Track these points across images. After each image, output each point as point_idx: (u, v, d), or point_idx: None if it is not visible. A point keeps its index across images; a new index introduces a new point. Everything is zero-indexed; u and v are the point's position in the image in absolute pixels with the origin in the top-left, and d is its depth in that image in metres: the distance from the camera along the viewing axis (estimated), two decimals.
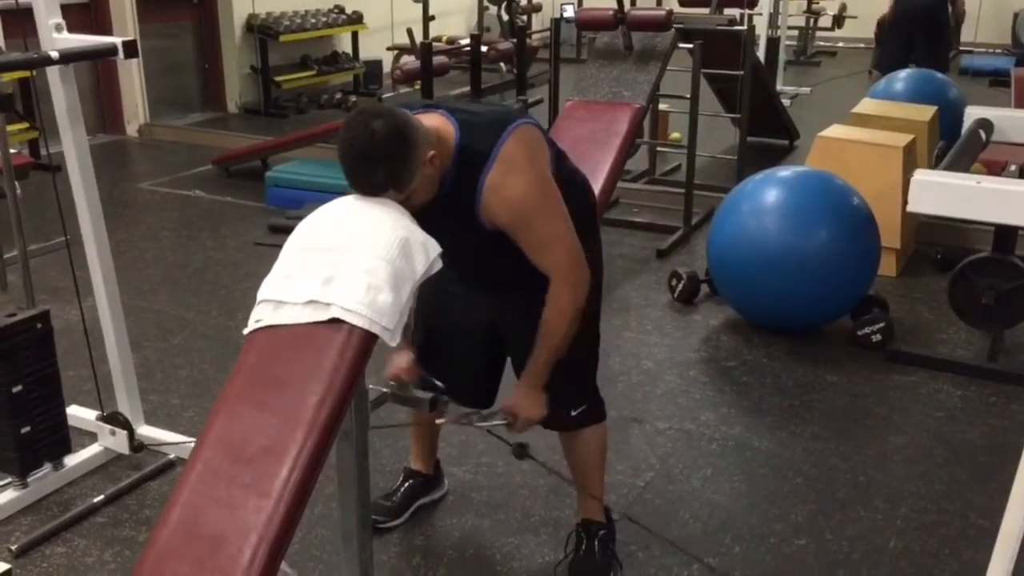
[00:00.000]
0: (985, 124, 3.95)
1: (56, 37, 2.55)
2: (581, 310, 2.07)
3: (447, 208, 1.96)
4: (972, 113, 4.06)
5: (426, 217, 1.90)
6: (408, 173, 1.85)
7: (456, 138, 1.95)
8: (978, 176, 3.40)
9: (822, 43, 11.34)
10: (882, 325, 3.69)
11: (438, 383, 2.18)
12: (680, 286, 4.15)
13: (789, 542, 2.57)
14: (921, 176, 3.26)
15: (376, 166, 1.82)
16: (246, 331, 1.79)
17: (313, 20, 8.40)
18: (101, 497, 2.70)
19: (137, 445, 2.86)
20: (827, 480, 2.85)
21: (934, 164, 4.46)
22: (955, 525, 2.64)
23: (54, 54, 2.47)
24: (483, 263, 2.17)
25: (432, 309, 2.34)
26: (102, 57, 2.63)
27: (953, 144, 3.94)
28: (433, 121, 1.95)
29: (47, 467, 2.75)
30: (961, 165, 3.52)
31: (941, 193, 3.20)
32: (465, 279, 2.23)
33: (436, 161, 1.90)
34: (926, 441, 3.08)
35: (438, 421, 2.43)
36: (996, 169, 4.37)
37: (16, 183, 2.66)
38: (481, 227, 1.99)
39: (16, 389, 2.58)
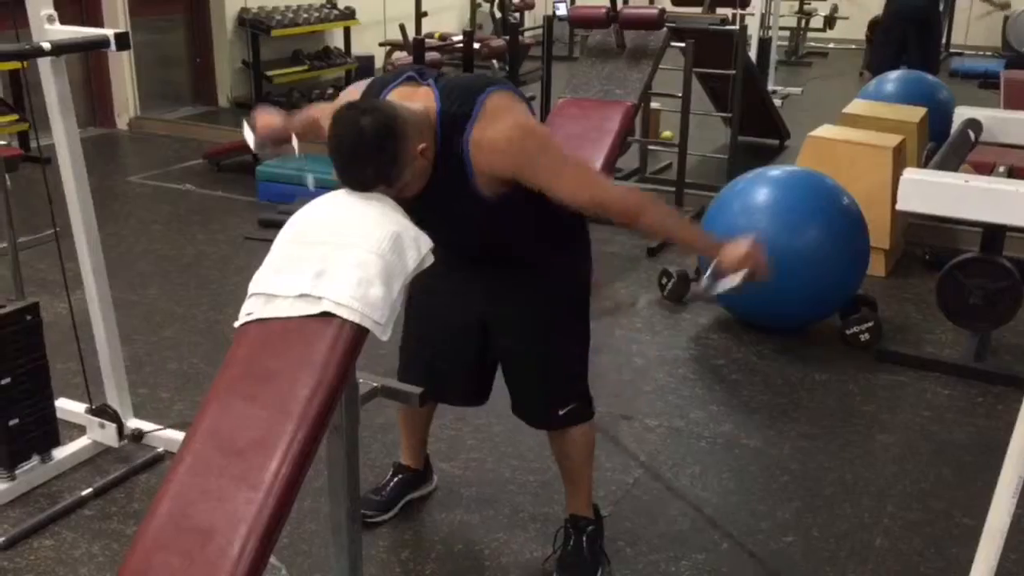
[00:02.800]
0: (974, 124, 3.96)
1: (48, 28, 2.54)
2: (636, 197, 2.05)
3: (438, 182, 1.95)
4: (962, 113, 4.07)
5: (419, 199, 1.90)
6: (398, 168, 1.85)
7: (437, 107, 1.94)
8: (966, 175, 3.42)
9: (813, 44, 11.38)
10: (870, 324, 3.71)
11: None
12: (670, 284, 4.16)
13: (776, 539, 2.58)
14: (910, 175, 3.27)
15: (365, 163, 1.82)
16: (237, 324, 1.79)
17: (305, 15, 8.37)
18: (89, 490, 2.70)
19: (136, 434, 2.85)
20: (815, 478, 2.87)
21: (923, 165, 4.48)
22: (941, 523, 2.65)
23: (46, 45, 2.46)
24: (478, 239, 2.14)
25: (422, 311, 2.33)
26: (94, 49, 2.62)
27: (942, 145, 3.96)
28: (418, 98, 1.94)
29: (35, 459, 2.74)
30: (950, 164, 3.54)
31: (930, 192, 3.21)
32: (460, 263, 2.21)
33: (428, 153, 1.90)
34: (913, 440, 3.10)
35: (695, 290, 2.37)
36: (985, 170, 4.38)
37: (6, 175, 2.64)
38: (476, 195, 1.97)
39: (4, 381, 2.57)
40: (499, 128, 1.92)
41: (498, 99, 1.95)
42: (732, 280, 2.08)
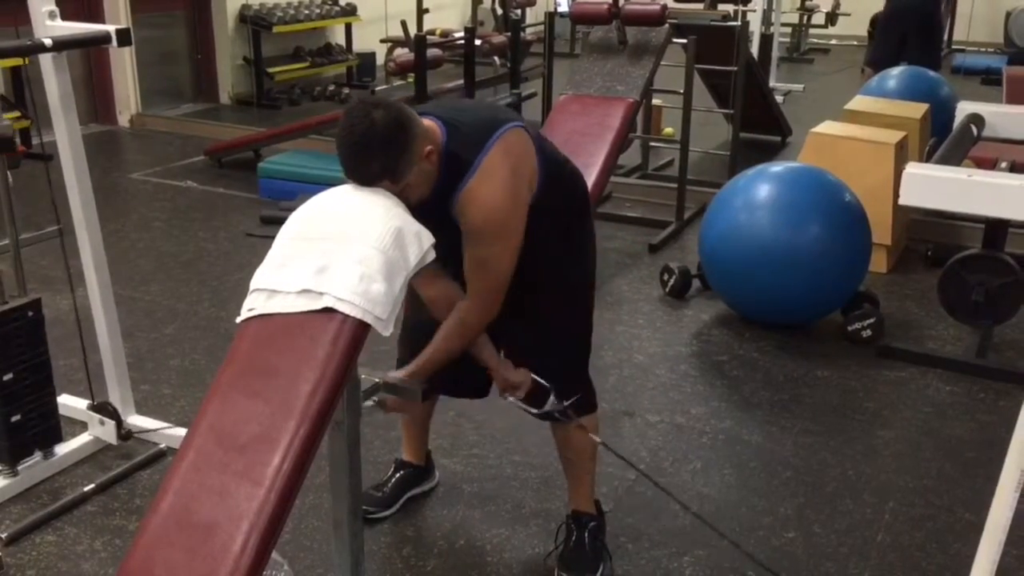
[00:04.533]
0: (977, 119, 3.96)
1: (49, 24, 2.54)
2: (476, 334, 2.10)
3: (435, 210, 1.97)
4: (964, 108, 4.07)
5: (418, 216, 1.91)
6: (404, 165, 1.86)
7: (443, 144, 1.96)
8: (969, 169, 3.42)
9: (815, 40, 11.37)
10: (872, 321, 3.71)
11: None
12: (672, 281, 4.16)
13: (778, 535, 2.58)
14: (913, 169, 3.27)
15: (373, 155, 1.83)
16: (239, 320, 1.79)
17: (307, 11, 8.37)
18: (92, 486, 2.70)
19: (125, 434, 2.86)
20: (816, 474, 2.87)
21: (925, 161, 4.48)
22: (943, 519, 2.65)
23: (47, 41, 2.46)
24: None
25: (423, 303, 2.33)
26: (95, 45, 2.62)
27: (944, 141, 3.96)
28: (424, 123, 1.96)
29: (37, 455, 2.75)
30: (953, 159, 3.54)
31: (932, 186, 3.21)
32: (457, 277, 2.23)
33: (433, 157, 1.91)
34: (915, 436, 3.10)
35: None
36: (987, 166, 4.38)
37: (7, 172, 2.64)
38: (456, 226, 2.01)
39: (7, 377, 2.58)
40: (484, 200, 1.95)
41: (500, 155, 1.97)
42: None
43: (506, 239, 2.02)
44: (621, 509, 2.65)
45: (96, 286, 2.81)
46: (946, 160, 3.49)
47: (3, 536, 2.48)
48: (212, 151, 6.27)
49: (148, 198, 5.64)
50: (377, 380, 1.90)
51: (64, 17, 2.58)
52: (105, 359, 2.91)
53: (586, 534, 2.40)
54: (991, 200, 3.15)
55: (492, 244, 2.01)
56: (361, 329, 1.70)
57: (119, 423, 2.85)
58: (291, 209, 1.93)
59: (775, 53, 8.57)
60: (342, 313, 1.69)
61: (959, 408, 3.27)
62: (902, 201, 3.30)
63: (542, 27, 6.11)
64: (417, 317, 2.38)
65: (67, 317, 2.92)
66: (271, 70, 8.11)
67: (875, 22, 8.51)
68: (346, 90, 8.42)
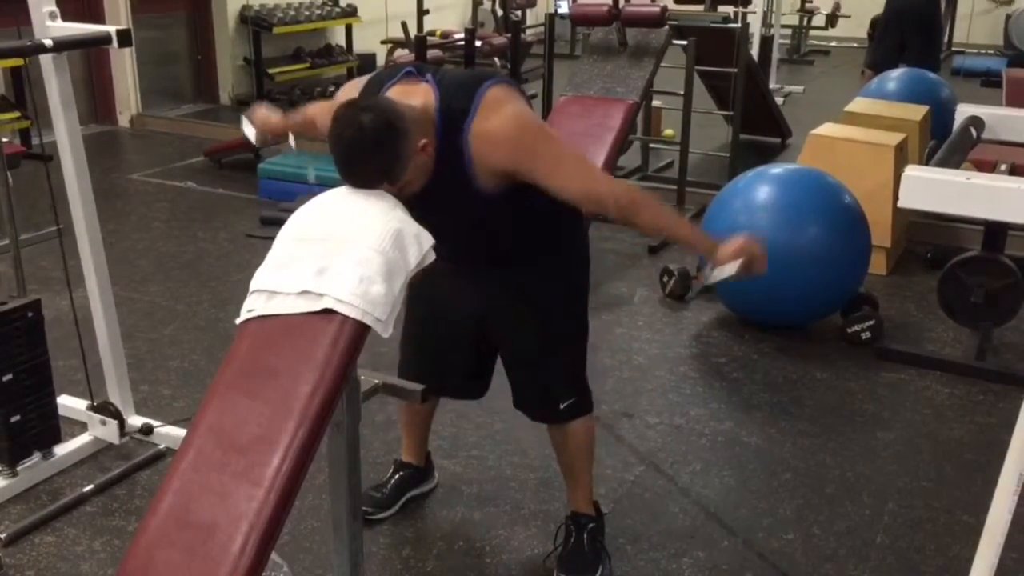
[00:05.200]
0: (976, 122, 3.96)
1: (50, 25, 2.54)
2: (633, 194, 2.05)
3: (438, 179, 1.94)
4: (964, 111, 4.07)
5: (420, 196, 1.90)
6: (400, 165, 1.85)
7: (437, 102, 1.94)
8: (968, 172, 3.43)
9: (815, 42, 11.38)
10: (872, 323, 3.71)
11: None
12: (671, 282, 4.16)
13: (777, 536, 2.58)
14: (912, 172, 3.27)
15: (367, 160, 1.82)
16: (238, 320, 1.79)
17: (307, 12, 8.37)
18: (91, 487, 2.70)
19: (145, 428, 2.85)
20: (815, 475, 2.87)
21: (925, 163, 4.48)
22: (942, 521, 2.66)
23: (48, 42, 2.46)
24: (478, 237, 2.15)
25: (423, 306, 2.34)
26: (96, 46, 2.62)
27: (944, 143, 3.96)
28: (417, 94, 1.94)
29: (37, 456, 2.75)
30: (952, 161, 3.54)
31: (932, 189, 3.22)
32: (460, 262, 2.21)
33: (429, 149, 1.90)
34: (914, 438, 3.10)
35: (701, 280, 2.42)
36: (987, 168, 4.38)
37: (7, 172, 2.64)
38: (475, 190, 1.97)
39: (6, 378, 2.58)
40: (498, 120, 1.92)
41: (497, 92, 1.96)
42: (727, 270, 2.12)
43: (548, 135, 2.00)
44: (620, 510, 2.66)
45: (96, 287, 2.81)
46: (945, 163, 3.50)
47: (2, 536, 2.48)
48: (212, 152, 6.27)
49: (148, 199, 5.64)
50: (377, 381, 1.90)
51: (64, 17, 2.58)
52: (105, 360, 2.91)
53: (585, 535, 2.40)
54: (990, 203, 3.15)
55: (544, 147, 1.96)
56: (360, 330, 1.70)
57: (121, 422, 2.86)
58: (291, 210, 1.93)
59: (775, 55, 8.58)
60: (341, 314, 1.69)
61: (958, 410, 3.27)
62: (901, 203, 3.31)
63: (542, 28, 6.11)
64: (419, 321, 2.38)
65: (67, 318, 2.92)
66: (271, 71, 8.10)
67: (875, 24, 8.52)
68: None
